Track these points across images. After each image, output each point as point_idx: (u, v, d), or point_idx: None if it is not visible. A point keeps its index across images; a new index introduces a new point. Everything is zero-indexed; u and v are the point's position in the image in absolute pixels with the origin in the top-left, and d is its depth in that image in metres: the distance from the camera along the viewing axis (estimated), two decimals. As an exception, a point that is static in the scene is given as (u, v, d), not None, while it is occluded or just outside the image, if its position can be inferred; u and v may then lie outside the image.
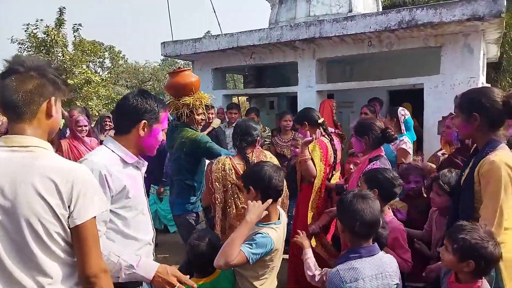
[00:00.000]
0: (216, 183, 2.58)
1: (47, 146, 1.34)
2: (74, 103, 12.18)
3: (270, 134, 5.44)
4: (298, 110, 5.52)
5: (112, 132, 4.94)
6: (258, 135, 2.73)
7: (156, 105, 1.77)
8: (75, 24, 13.57)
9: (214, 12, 8.16)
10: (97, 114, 13.10)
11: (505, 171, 1.82)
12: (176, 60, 18.24)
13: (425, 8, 4.20)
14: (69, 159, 4.35)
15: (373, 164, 2.61)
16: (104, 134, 5.48)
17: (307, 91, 5.57)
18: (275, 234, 1.92)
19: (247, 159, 2.64)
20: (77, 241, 1.29)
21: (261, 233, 1.88)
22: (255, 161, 2.57)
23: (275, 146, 5.24)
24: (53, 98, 1.37)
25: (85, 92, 12.55)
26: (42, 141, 1.33)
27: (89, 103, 12.62)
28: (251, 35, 5.43)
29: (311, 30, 4.98)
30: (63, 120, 5.45)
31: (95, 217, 1.33)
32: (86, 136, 4.42)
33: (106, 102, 14.05)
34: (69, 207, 1.27)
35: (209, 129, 4.85)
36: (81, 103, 12.31)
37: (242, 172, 2.51)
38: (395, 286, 1.83)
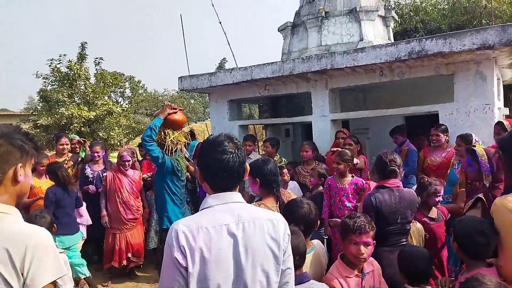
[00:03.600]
0: None
1: (9, 211, 1.34)
2: (96, 133, 12.59)
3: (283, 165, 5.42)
4: (313, 139, 5.60)
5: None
6: None
7: None
8: (97, 58, 14.15)
9: (229, 44, 8.43)
10: (118, 143, 13.46)
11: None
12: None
13: (434, 39, 4.25)
14: (113, 188, 4.80)
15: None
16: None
17: (322, 120, 5.64)
18: None
19: (282, 201, 2.62)
20: None
21: None
22: (284, 201, 2.62)
23: (298, 175, 5.24)
24: (19, 165, 1.37)
25: (107, 122, 12.94)
26: (5, 206, 1.33)
27: (111, 133, 12.99)
28: (264, 68, 5.58)
29: (322, 62, 5.09)
30: (83, 153, 5.66)
31: (53, 282, 1.28)
32: (130, 168, 5.00)
33: (127, 131, 14.43)
34: (22, 274, 1.23)
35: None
36: (103, 133, 12.70)
37: None
38: None
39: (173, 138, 3.93)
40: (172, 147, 3.87)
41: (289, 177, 4.59)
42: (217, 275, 1.29)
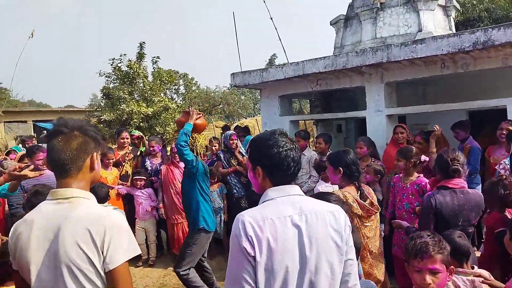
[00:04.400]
0: None
1: (87, 196, 1.48)
2: (153, 129, 13.24)
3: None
4: (368, 135, 5.44)
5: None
6: None
7: None
8: (154, 57, 14.85)
9: (280, 40, 8.44)
10: (173, 138, 14.04)
11: None
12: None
13: (502, 28, 3.93)
14: (167, 180, 5.12)
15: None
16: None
17: (376, 116, 5.46)
18: None
19: (362, 190, 2.71)
20: (111, 284, 1.37)
21: None
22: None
23: None
24: (95, 153, 1.52)
25: (163, 118, 13.55)
26: (83, 192, 1.47)
27: (167, 128, 13.59)
28: (317, 63, 5.51)
29: (378, 55, 4.92)
30: (144, 148, 6.00)
31: (127, 261, 1.40)
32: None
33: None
34: (102, 252, 1.36)
35: None
36: (159, 128, 13.33)
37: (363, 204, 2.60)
38: None
39: (201, 141, 4.17)
40: (200, 150, 4.07)
41: None
42: (283, 264, 1.32)
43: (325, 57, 5.47)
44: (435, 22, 6.15)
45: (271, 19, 8.68)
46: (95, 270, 1.36)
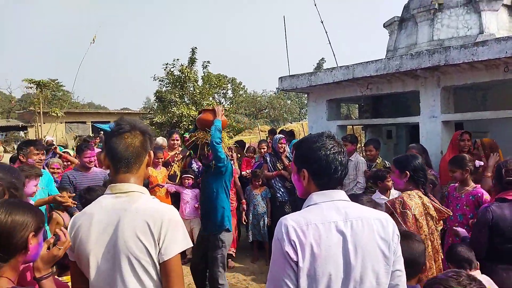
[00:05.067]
0: (420, 218, 2.49)
1: (143, 190, 1.55)
2: (201, 131, 13.57)
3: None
4: (420, 142, 5.18)
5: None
6: None
7: None
8: (204, 62, 15.32)
9: (330, 43, 8.31)
10: (220, 141, 14.30)
11: None
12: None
13: None
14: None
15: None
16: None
17: (431, 122, 5.18)
18: None
19: (428, 196, 2.62)
20: (164, 275, 1.43)
21: None
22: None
23: None
24: (151, 152, 1.61)
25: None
26: (140, 187, 1.55)
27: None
28: (367, 67, 5.35)
29: (435, 58, 4.67)
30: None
31: (180, 253, 1.46)
32: None
33: (228, 130, 15.29)
34: (158, 244, 1.42)
35: None
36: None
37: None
38: None
39: (226, 141, 4.02)
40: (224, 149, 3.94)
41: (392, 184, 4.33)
42: (326, 271, 1.28)
43: (377, 60, 5.29)
44: (499, 23, 5.74)
45: (322, 22, 8.59)
46: (151, 261, 1.42)
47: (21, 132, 28.04)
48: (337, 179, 1.44)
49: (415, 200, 2.45)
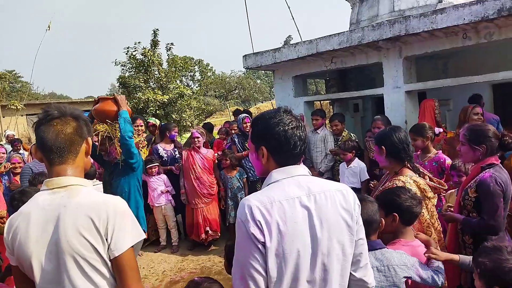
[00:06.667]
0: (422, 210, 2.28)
1: (83, 183, 1.42)
2: (170, 116, 13.28)
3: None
4: (386, 113, 5.24)
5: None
6: None
7: None
8: (168, 43, 14.79)
9: (293, 19, 8.20)
10: (190, 124, 14.08)
11: None
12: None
13: (532, -10, 3.64)
14: (187, 165, 5.11)
15: (485, 172, 2.33)
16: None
17: (395, 92, 5.24)
18: None
19: (419, 171, 2.45)
20: (117, 271, 1.34)
21: None
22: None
23: (369, 151, 5.01)
24: (89, 138, 1.48)
25: (179, 105, 13.56)
26: (79, 179, 1.42)
27: (183, 115, 13.62)
28: (331, 40, 5.31)
29: (395, 28, 4.68)
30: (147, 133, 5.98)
31: (132, 247, 1.37)
32: (204, 147, 5.30)
33: (198, 113, 15.03)
34: (106, 239, 1.32)
35: None
36: (176, 115, 13.36)
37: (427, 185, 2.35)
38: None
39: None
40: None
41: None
42: (294, 248, 1.26)
43: (339, 33, 5.25)
44: (457, -9, 5.79)
45: (284, -2, 8.41)
46: (100, 259, 1.33)
47: (-22, 128, 26.53)
48: (297, 155, 1.39)
49: (414, 189, 2.22)
